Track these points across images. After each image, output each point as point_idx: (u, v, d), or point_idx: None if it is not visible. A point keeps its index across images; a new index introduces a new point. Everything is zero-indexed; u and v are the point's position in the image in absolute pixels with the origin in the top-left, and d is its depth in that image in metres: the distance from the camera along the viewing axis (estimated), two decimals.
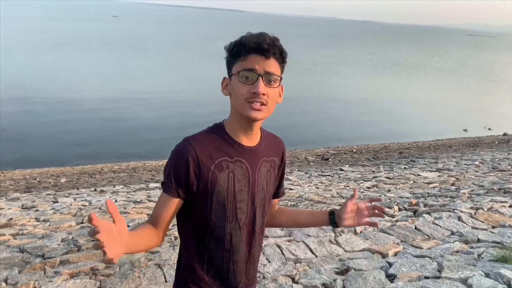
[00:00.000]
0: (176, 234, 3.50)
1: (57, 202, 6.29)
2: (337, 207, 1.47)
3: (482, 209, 4.50)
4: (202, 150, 1.19)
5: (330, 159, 11.24)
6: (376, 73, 36.52)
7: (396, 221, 4.26)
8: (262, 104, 1.17)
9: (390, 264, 3.13)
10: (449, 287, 2.71)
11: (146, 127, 15.58)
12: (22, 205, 6.08)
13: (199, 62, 33.61)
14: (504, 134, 16.03)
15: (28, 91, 19.54)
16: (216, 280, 1.28)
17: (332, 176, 8.10)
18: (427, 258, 3.20)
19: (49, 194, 7.21)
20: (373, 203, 1.43)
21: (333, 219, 1.43)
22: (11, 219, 5.14)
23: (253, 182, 1.27)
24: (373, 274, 2.92)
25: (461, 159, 9.56)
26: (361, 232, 3.93)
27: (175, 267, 1.37)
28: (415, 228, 4.00)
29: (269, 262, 3.25)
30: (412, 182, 6.85)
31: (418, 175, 7.52)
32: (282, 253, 3.42)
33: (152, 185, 7.98)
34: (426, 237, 3.82)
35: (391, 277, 2.93)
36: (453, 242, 3.60)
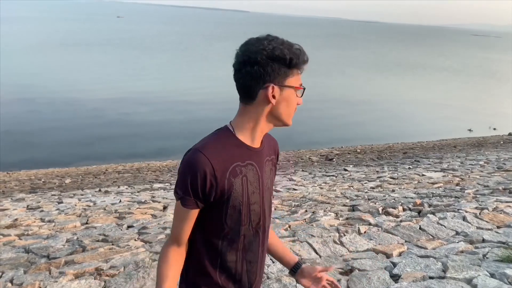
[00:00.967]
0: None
1: (62, 202, 6.33)
2: (307, 265, 1.50)
3: (487, 209, 4.47)
4: (216, 159, 1.17)
5: (334, 160, 11.22)
6: (381, 73, 36.43)
7: (401, 221, 4.24)
8: None
9: (395, 264, 3.12)
10: (454, 287, 2.70)
11: (150, 127, 15.64)
12: (27, 206, 6.12)
13: (204, 62, 33.70)
14: (509, 134, 15.92)
15: (33, 92, 19.68)
16: (229, 283, 1.29)
17: (336, 177, 8.09)
18: (431, 258, 3.19)
19: (54, 195, 7.25)
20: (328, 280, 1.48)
21: (295, 270, 1.50)
22: (16, 219, 5.17)
23: (262, 182, 1.29)
24: (377, 274, 2.92)
25: (466, 159, 9.51)
26: (365, 232, 3.92)
27: None
28: (420, 228, 3.99)
29: (273, 262, 3.25)
30: (416, 182, 6.82)
31: (423, 175, 7.49)
32: None
33: (156, 185, 8.00)
34: (431, 237, 3.80)
35: (396, 277, 2.92)
36: (458, 242, 3.58)
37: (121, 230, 4.51)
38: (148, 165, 11.55)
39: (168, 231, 4.26)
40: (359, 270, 3.03)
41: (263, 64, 1.17)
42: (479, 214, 4.34)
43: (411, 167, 8.80)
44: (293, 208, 5.12)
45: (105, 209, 5.67)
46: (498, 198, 5.03)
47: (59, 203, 6.32)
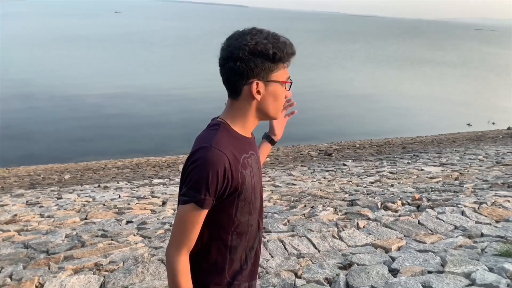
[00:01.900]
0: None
1: (61, 198, 6.33)
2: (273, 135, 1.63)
3: (486, 203, 4.48)
4: (230, 154, 1.16)
5: (333, 154, 11.22)
6: (380, 68, 36.34)
7: (399, 216, 4.25)
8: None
9: (393, 259, 3.12)
10: (453, 281, 2.71)
11: (149, 123, 15.61)
12: (27, 201, 6.12)
13: (203, 57, 33.55)
14: (508, 128, 15.93)
15: (32, 88, 19.61)
16: (236, 274, 1.28)
17: (335, 171, 8.09)
18: (430, 253, 3.20)
19: (53, 191, 7.25)
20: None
21: (270, 139, 1.61)
22: (15, 215, 5.17)
23: (260, 170, 1.33)
24: (376, 269, 2.92)
25: (464, 153, 9.52)
26: (364, 227, 3.93)
27: None
28: (419, 222, 3.99)
29: (272, 257, 3.26)
30: (415, 177, 6.83)
31: (422, 169, 7.49)
32: (285, 248, 3.43)
33: (155, 181, 8.00)
34: (430, 231, 3.81)
35: (394, 272, 2.93)
36: (456, 237, 3.59)
37: (120, 225, 4.51)
38: (148, 160, 11.55)
39: (167, 226, 4.26)
40: (358, 264, 3.04)
41: (245, 60, 1.15)
42: (478, 208, 4.34)
43: (410, 161, 8.81)
44: (292, 203, 5.13)
45: (104, 205, 5.67)
46: (496, 192, 5.04)
47: (58, 198, 6.32)
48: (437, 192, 5.37)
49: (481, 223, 3.96)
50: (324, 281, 2.82)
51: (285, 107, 1.57)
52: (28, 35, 43.04)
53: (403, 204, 4.77)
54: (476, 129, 16.76)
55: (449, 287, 2.64)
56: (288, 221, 4.16)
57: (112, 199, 6.06)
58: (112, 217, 4.91)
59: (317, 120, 17.29)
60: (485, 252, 3.20)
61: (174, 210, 5.19)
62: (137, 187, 7.23)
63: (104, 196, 6.30)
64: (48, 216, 5.07)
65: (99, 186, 7.58)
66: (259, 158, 1.33)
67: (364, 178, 7.04)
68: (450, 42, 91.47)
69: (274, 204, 5.12)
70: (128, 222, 4.66)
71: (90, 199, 6.15)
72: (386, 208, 4.62)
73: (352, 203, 4.99)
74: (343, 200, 5.20)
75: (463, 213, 4.21)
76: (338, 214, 4.42)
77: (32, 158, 11.60)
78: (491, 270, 2.86)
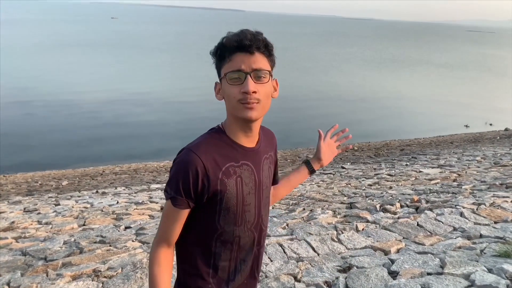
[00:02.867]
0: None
1: (59, 204, 6.30)
2: (311, 156, 1.57)
3: (484, 204, 4.48)
4: (208, 159, 1.14)
5: None
6: (377, 71, 36.48)
7: (398, 218, 4.25)
8: (255, 102, 1.14)
9: (393, 261, 3.12)
10: (452, 283, 2.70)
11: (147, 128, 15.60)
12: (24, 208, 6.09)
13: (200, 62, 33.61)
14: (506, 129, 15.99)
15: (29, 95, 19.60)
16: (222, 283, 1.26)
17: (333, 174, 8.09)
18: (429, 255, 3.19)
19: (51, 197, 7.22)
20: (334, 132, 1.61)
21: (311, 167, 1.54)
22: (13, 222, 5.15)
23: (259, 183, 1.25)
24: (376, 271, 2.91)
25: (462, 155, 9.54)
26: (363, 229, 3.92)
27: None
28: (417, 224, 3.99)
29: (271, 261, 3.25)
30: (414, 178, 6.83)
31: (420, 171, 7.50)
32: (284, 252, 3.42)
33: (153, 186, 7.99)
34: (428, 233, 3.81)
35: (394, 274, 2.92)
36: (455, 238, 3.59)
37: (119, 231, 4.49)
38: (145, 166, 11.53)
39: None
40: (357, 267, 3.03)
41: (215, 65, 1.20)
42: (476, 209, 4.34)
43: (408, 163, 8.82)
44: (290, 207, 5.12)
45: (102, 211, 5.65)
46: (495, 193, 5.04)
47: (56, 205, 6.29)
48: (435, 193, 5.37)
49: (479, 224, 3.95)
50: (324, 284, 2.81)
51: (339, 138, 1.61)
52: (24, 42, 43.03)
53: (401, 206, 4.77)
54: (473, 130, 16.83)
55: None
56: (287, 225, 4.15)
57: (110, 205, 6.04)
58: (110, 223, 4.90)
59: (315, 123, 17.30)
60: (484, 253, 3.20)
61: None
62: (135, 193, 7.21)
63: (102, 202, 6.28)
64: (46, 223, 5.04)
65: (97, 192, 7.55)
66: (260, 170, 1.26)
67: (362, 180, 7.04)
68: (446, 44, 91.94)
69: (273, 208, 5.12)
70: (126, 228, 4.64)
71: (88, 205, 6.12)
72: (385, 210, 4.62)
73: (351, 205, 4.99)
74: (342, 203, 5.19)
75: (461, 214, 4.21)
76: (337, 217, 4.41)
77: (30, 165, 11.57)
78: (490, 271, 2.86)
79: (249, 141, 1.23)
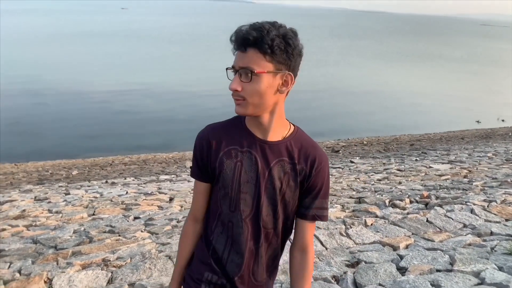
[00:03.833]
0: None
1: (69, 194, 6.38)
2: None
3: (495, 201, 4.42)
4: (215, 135, 1.25)
5: (340, 151, 11.17)
6: (388, 64, 36.06)
7: (408, 213, 4.22)
8: (240, 99, 1.16)
9: (401, 257, 3.10)
10: (462, 280, 2.68)
11: (157, 119, 15.66)
12: (35, 197, 6.17)
13: (211, 54, 33.56)
14: None
15: (39, 84, 19.76)
16: (218, 264, 1.29)
17: (342, 169, 8.05)
18: (439, 251, 3.16)
19: (61, 186, 7.31)
20: None
21: None
22: (24, 210, 5.22)
23: (262, 176, 1.22)
24: (384, 267, 2.90)
25: (473, 151, 9.42)
26: (372, 224, 3.90)
27: None
28: (427, 220, 3.96)
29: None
30: (423, 174, 6.77)
31: (430, 167, 7.43)
32: None
33: (162, 177, 8.03)
34: (438, 229, 3.77)
35: (402, 270, 2.90)
36: (465, 235, 3.55)
37: (128, 221, 4.53)
38: (155, 156, 11.59)
39: (174, 223, 4.28)
40: (365, 262, 3.02)
41: None
42: (487, 206, 4.29)
43: (418, 159, 8.74)
44: None
45: (111, 201, 5.70)
46: (506, 190, 4.97)
47: (66, 194, 6.37)
48: (445, 189, 5.32)
49: (490, 221, 3.91)
50: (332, 278, 2.80)
51: None
52: (34, 31, 43.33)
53: (411, 202, 4.73)
54: (485, 126, 16.58)
55: (458, 286, 2.61)
56: None
57: (119, 195, 6.09)
58: (119, 213, 4.94)
59: (324, 117, 17.22)
60: (495, 251, 3.16)
61: (181, 206, 5.19)
62: (144, 183, 7.26)
63: (111, 192, 6.34)
64: (56, 212, 5.11)
65: (106, 182, 7.62)
66: (268, 165, 1.22)
67: (371, 175, 6.99)
68: (459, 38, 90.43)
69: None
70: (135, 218, 4.68)
71: (98, 195, 6.18)
72: (394, 205, 4.59)
73: (359, 200, 4.96)
74: (350, 197, 5.17)
75: (472, 211, 4.16)
76: (345, 212, 4.40)
77: (40, 154, 11.71)
78: (500, 269, 2.82)
79: (264, 133, 1.23)
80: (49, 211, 5.19)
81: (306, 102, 17.66)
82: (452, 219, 3.97)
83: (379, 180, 6.48)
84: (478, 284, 2.66)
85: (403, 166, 7.74)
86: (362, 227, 3.78)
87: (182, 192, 6.05)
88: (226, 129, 1.26)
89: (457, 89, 26.07)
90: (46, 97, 17.66)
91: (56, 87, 19.41)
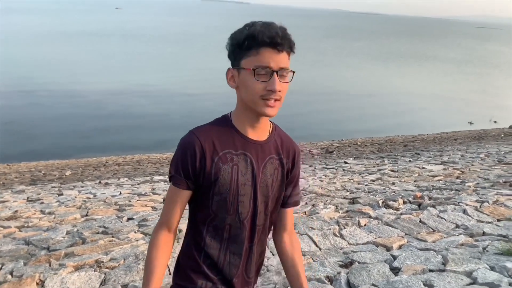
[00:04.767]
0: (180, 227, 3.52)
1: (62, 194, 6.33)
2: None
3: (488, 202, 4.46)
4: (207, 141, 1.19)
5: (334, 152, 11.21)
6: (383, 65, 36.25)
7: (401, 214, 4.24)
8: (276, 100, 1.16)
9: (395, 257, 3.11)
10: (454, 280, 2.70)
11: (150, 119, 15.61)
12: (27, 198, 6.12)
13: (205, 54, 33.53)
14: (510, 127, 15.89)
15: (33, 84, 19.61)
16: (212, 270, 1.27)
17: (336, 169, 8.08)
18: (431, 251, 3.18)
19: (54, 187, 7.26)
20: None
21: None
22: (16, 211, 5.17)
23: (257, 176, 1.24)
24: (377, 267, 2.91)
25: (466, 152, 9.49)
26: (365, 225, 3.92)
27: None
28: (420, 221, 3.98)
29: (273, 255, 3.25)
30: (417, 175, 6.81)
31: (423, 168, 7.48)
32: None
33: (156, 177, 8.00)
34: (431, 230, 3.80)
35: (396, 270, 2.92)
36: (458, 235, 3.58)
37: (121, 222, 4.51)
38: (149, 157, 11.55)
39: None
40: (359, 263, 3.03)
41: (228, 49, 1.19)
42: (480, 207, 4.33)
43: (411, 160, 8.79)
44: None
45: (105, 201, 5.67)
46: (498, 191, 5.02)
47: (59, 195, 6.32)
48: (438, 190, 5.36)
49: (482, 221, 3.94)
50: (326, 279, 2.81)
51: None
52: (29, 31, 42.99)
53: (404, 203, 4.75)
54: (477, 127, 16.73)
55: (450, 286, 2.63)
56: None
57: (113, 196, 6.06)
58: (113, 214, 4.91)
59: (319, 118, 17.28)
60: (487, 251, 3.19)
61: None
62: (138, 184, 7.23)
63: (105, 193, 6.30)
64: (49, 213, 5.07)
65: (100, 182, 7.58)
66: (261, 165, 1.24)
67: (365, 176, 7.02)
68: (452, 39, 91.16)
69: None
70: (129, 219, 4.66)
71: (91, 196, 6.15)
72: (387, 206, 4.61)
73: (353, 201, 4.98)
74: (344, 198, 5.19)
75: (464, 211, 4.20)
76: (339, 212, 4.41)
77: (33, 154, 11.61)
78: (492, 269, 2.85)
79: (255, 133, 1.24)
80: (42, 212, 5.15)
81: (300, 103, 17.70)
82: (445, 220, 4.00)
83: (373, 180, 6.51)
84: (470, 283, 2.68)
85: (396, 167, 7.78)
86: (355, 228, 3.80)
87: None
88: (216, 132, 1.21)
89: (450, 91, 26.28)
90: (39, 97, 17.53)
91: (50, 87, 19.28)
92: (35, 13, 74.68)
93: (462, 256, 3.03)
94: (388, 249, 3.34)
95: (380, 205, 4.65)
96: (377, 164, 8.44)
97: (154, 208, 5.22)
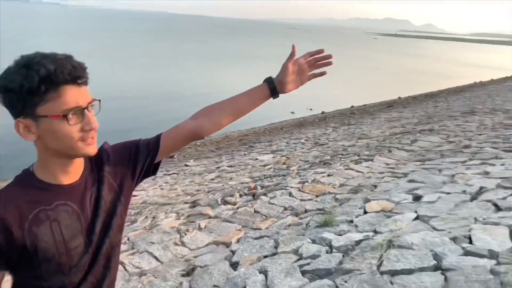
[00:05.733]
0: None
1: None
2: (274, 74, 1.31)
3: (308, 181, 5.07)
4: (9, 210, 0.99)
5: (175, 156, 11.13)
6: (215, 65, 37.82)
7: (238, 208, 4.45)
8: (95, 136, 1.05)
9: (234, 252, 3.24)
10: (284, 260, 2.96)
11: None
12: None
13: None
14: (322, 113, 18.68)
15: None
16: None
17: (177, 174, 8.02)
18: (265, 238, 3.42)
19: None
20: (313, 57, 1.31)
21: (273, 87, 1.33)
22: None
23: (86, 219, 1.10)
24: (218, 267, 2.98)
25: (290, 139, 10.70)
26: (205, 227, 3.97)
27: None
28: (254, 211, 4.25)
29: None
30: (251, 167, 7.30)
31: (256, 159, 8.07)
32: (126, 270, 3.18)
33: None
34: (264, 217, 4.10)
35: (235, 265, 3.03)
36: (286, 217, 3.95)
37: None
38: None
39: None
40: (200, 267, 3.04)
41: (3, 99, 1.00)
42: (302, 187, 4.88)
43: (246, 153, 9.41)
44: (132, 217, 4.83)
45: None
46: (315, 170, 5.77)
47: None
48: (269, 178, 5.85)
49: (304, 200, 4.45)
50: None
51: (318, 63, 1.30)
52: None
53: (241, 196, 5.01)
54: (298, 115, 19.08)
55: (281, 267, 2.86)
56: (128, 239, 3.89)
57: None
58: None
59: (154, 123, 16.87)
60: (309, 226, 3.61)
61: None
62: None
63: None
64: None
65: None
66: (87, 203, 1.10)
67: (205, 176, 7.17)
68: (270, 39, 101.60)
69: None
70: None
71: None
72: (225, 202, 4.78)
73: (194, 204, 5.01)
74: (185, 203, 5.17)
75: (290, 194, 4.68)
76: (180, 219, 4.36)
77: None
78: (314, 241, 3.23)
79: (71, 176, 1.08)
80: None
81: (133, 110, 16.97)
82: (275, 205, 4.38)
83: (212, 179, 6.69)
84: (297, 260, 2.97)
85: (233, 162, 8.20)
86: (196, 232, 3.81)
87: None
88: (20, 194, 1.02)
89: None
90: None
91: None
92: None
93: (290, 236, 3.35)
94: (228, 245, 3.46)
95: (219, 203, 4.79)
96: (216, 162, 8.74)
97: None
